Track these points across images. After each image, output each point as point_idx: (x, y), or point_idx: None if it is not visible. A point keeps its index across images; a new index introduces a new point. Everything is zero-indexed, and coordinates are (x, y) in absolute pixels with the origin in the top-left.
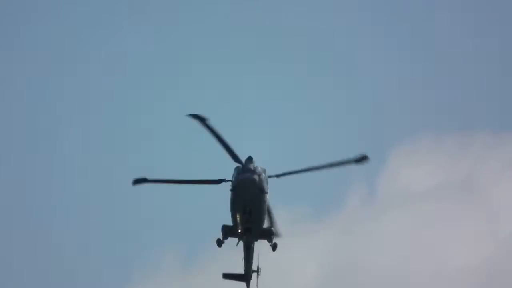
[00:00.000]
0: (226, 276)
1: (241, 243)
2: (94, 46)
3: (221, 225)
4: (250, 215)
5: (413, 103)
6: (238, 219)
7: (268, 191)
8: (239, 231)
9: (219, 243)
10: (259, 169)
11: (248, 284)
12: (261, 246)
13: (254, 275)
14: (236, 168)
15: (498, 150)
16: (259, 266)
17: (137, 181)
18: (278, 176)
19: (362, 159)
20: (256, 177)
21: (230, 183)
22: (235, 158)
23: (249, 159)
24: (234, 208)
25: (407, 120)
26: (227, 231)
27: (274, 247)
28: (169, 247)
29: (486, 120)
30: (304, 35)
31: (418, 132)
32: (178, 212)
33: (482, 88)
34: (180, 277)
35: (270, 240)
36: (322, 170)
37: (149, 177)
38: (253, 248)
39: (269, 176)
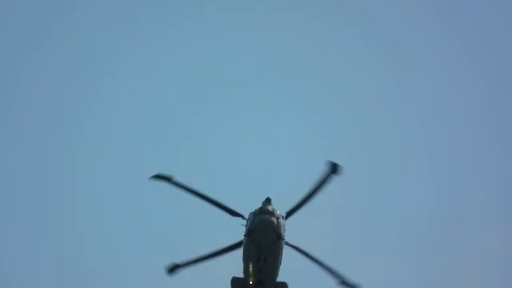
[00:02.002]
0: None
1: None
2: None
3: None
4: (264, 264)
5: None
6: (250, 268)
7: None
8: (250, 283)
9: None
10: (278, 212)
11: None
12: None
13: None
14: (252, 212)
15: None
16: None
17: (171, 270)
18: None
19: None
20: (274, 219)
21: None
22: (232, 212)
23: (267, 200)
24: (246, 256)
25: None
26: (237, 284)
27: None
28: None
29: None
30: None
31: None
32: None
33: None
34: None
35: None
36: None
37: (180, 262)
38: None
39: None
